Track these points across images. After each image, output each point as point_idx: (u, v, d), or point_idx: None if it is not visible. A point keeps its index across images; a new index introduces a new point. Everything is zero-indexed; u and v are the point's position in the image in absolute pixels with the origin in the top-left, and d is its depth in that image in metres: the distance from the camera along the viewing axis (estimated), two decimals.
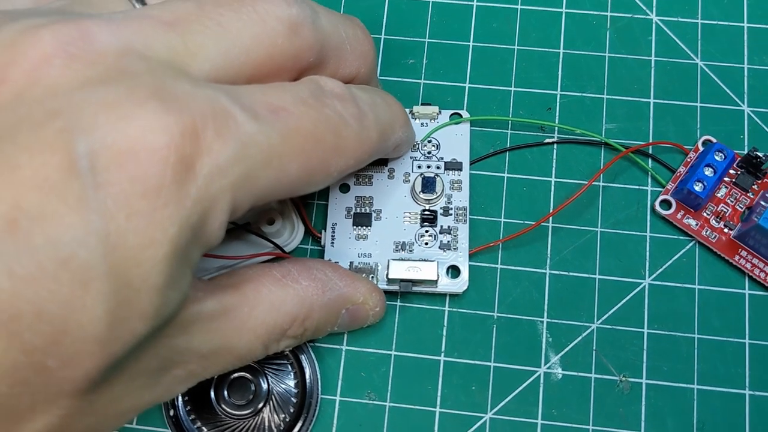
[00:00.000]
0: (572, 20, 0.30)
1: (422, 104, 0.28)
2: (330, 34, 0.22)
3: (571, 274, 0.27)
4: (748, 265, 0.26)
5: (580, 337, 0.26)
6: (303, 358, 0.26)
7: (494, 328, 0.26)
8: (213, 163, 0.16)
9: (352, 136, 0.21)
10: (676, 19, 0.29)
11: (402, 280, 0.26)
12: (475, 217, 0.27)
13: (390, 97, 0.24)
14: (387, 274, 0.25)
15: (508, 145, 0.28)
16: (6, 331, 0.14)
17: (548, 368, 0.26)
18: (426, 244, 0.27)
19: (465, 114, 0.28)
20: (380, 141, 0.22)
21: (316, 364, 0.26)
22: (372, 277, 0.26)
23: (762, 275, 0.26)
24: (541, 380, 0.26)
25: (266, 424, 0.25)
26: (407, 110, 0.27)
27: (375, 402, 0.26)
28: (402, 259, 0.26)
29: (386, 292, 0.26)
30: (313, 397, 0.25)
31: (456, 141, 0.28)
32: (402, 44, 0.30)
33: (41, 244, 0.14)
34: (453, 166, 0.27)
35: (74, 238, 0.14)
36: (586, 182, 0.27)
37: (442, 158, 0.28)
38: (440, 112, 0.28)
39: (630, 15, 0.30)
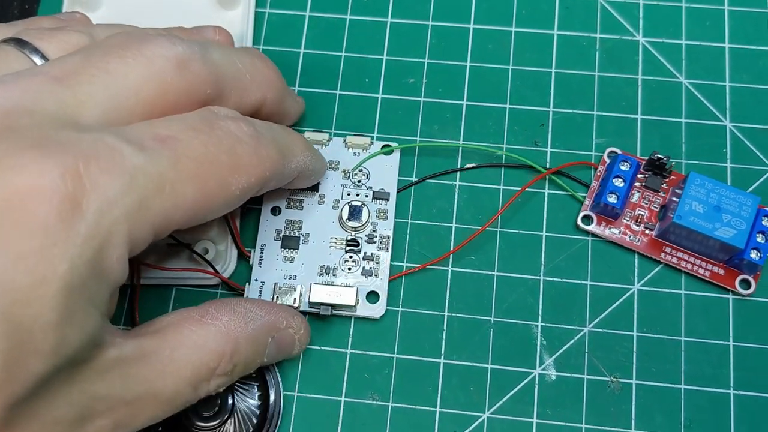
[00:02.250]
0: (563, 42, 0.31)
1: (356, 134, 0.30)
2: (224, 65, 0.23)
3: (564, 280, 0.28)
4: (674, 260, 0.28)
5: (572, 340, 0.27)
6: (269, 378, 0.26)
7: (491, 332, 0.28)
8: (101, 198, 0.17)
9: (248, 152, 0.21)
10: (661, 40, 0.31)
11: (322, 304, 0.27)
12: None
13: (287, 128, 0.26)
14: (309, 298, 0.27)
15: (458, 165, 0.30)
16: None
17: (543, 370, 0.27)
18: (349, 269, 0.28)
19: (394, 145, 0.30)
20: (280, 159, 0.23)
21: (281, 386, 0.27)
22: (294, 299, 0.27)
23: (689, 266, 0.28)
24: (536, 381, 0.27)
25: None
26: (370, 139, 0.29)
27: (378, 402, 0.27)
28: (324, 283, 0.27)
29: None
30: (273, 419, 0.26)
31: (385, 171, 0.29)
32: (402, 64, 0.31)
33: None
34: (381, 195, 0.29)
35: None
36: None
37: (371, 187, 0.29)
38: (372, 141, 0.30)
39: (618, 36, 0.31)
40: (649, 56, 0.31)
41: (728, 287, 0.28)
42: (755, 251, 0.27)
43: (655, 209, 0.29)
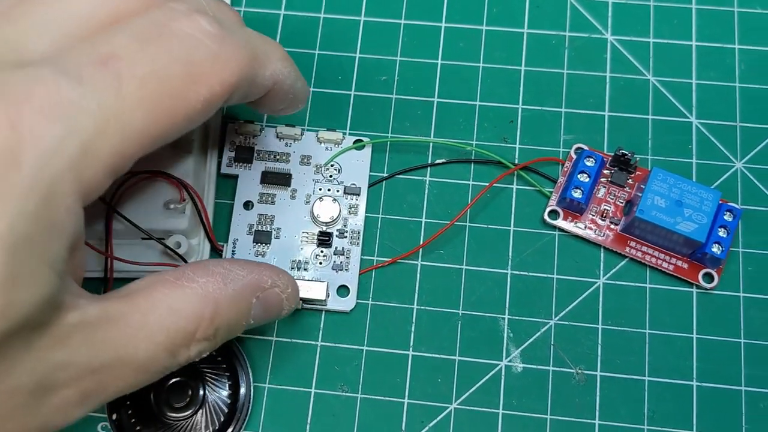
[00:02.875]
0: (533, 40, 0.32)
1: (328, 130, 0.30)
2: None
3: (530, 274, 0.29)
4: (639, 254, 0.28)
5: (539, 333, 0.28)
6: (240, 369, 0.27)
7: (459, 325, 0.28)
8: (39, 148, 0.16)
9: (208, 57, 0.19)
10: (629, 38, 0.32)
11: None
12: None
13: (264, 35, 0.23)
14: None
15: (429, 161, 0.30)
16: None
17: (509, 362, 0.28)
18: (320, 263, 0.28)
19: (366, 140, 0.30)
20: (250, 62, 0.20)
21: (252, 378, 0.27)
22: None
23: (653, 260, 0.28)
24: (503, 373, 0.28)
25: (199, 427, 0.26)
26: (342, 134, 0.29)
27: (347, 394, 0.27)
28: (296, 278, 0.26)
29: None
30: (243, 410, 0.26)
31: (357, 166, 0.30)
32: (375, 62, 0.32)
33: None
34: (352, 190, 0.29)
35: None
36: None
37: (342, 182, 0.29)
38: (344, 137, 0.30)
39: (587, 35, 0.32)
40: (617, 54, 0.32)
41: (692, 281, 0.28)
42: (717, 245, 0.27)
43: (620, 204, 0.29)
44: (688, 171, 0.30)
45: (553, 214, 0.29)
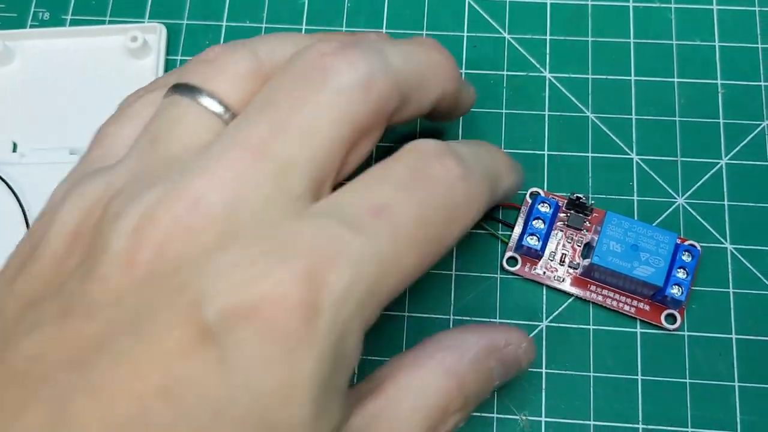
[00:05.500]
0: (471, 80, 0.32)
1: None
2: (404, 71, 0.20)
3: (473, 319, 0.28)
4: (600, 298, 0.28)
5: None
6: None
7: None
8: (334, 295, 0.17)
9: (462, 200, 0.20)
10: (567, 75, 0.32)
11: None
12: None
13: (488, 144, 0.24)
14: None
15: None
16: None
17: None
18: None
19: None
20: (491, 194, 0.21)
21: None
22: None
23: (614, 304, 0.28)
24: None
25: None
26: None
27: None
28: None
29: None
30: None
31: None
32: None
33: (194, 404, 0.16)
34: None
35: (221, 395, 0.16)
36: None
37: None
38: None
39: (525, 73, 0.32)
40: (555, 92, 0.31)
41: (655, 323, 0.28)
42: (677, 287, 0.27)
43: (578, 247, 0.29)
44: (630, 208, 0.30)
45: (512, 261, 0.29)
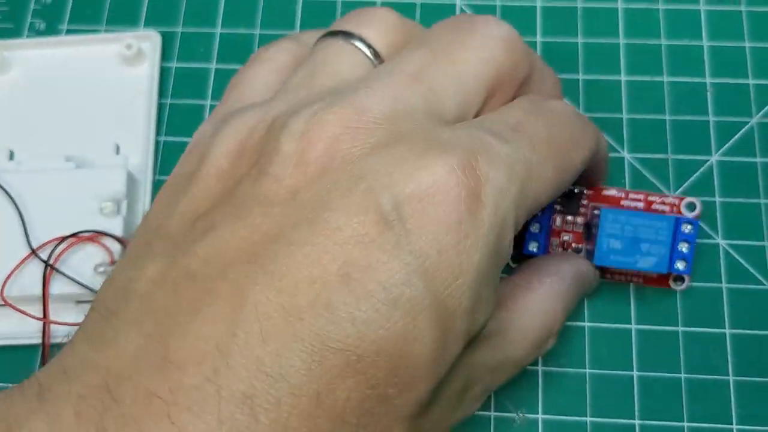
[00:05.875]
0: None
1: None
2: (533, 52, 0.24)
3: None
4: (606, 277, 0.28)
5: None
6: None
7: None
8: (494, 189, 0.18)
9: (578, 128, 0.23)
10: (559, 76, 0.32)
11: None
12: None
13: None
14: None
15: None
16: (354, 371, 0.16)
17: None
18: None
19: None
20: (596, 137, 0.24)
21: None
22: None
23: (622, 278, 0.28)
24: None
25: None
26: None
27: None
28: None
29: None
30: None
31: None
32: None
33: (373, 289, 0.16)
34: None
35: (399, 280, 0.16)
36: None
37: None
38: None
39: None
40: None
41: (664, 287, 0.28)
42: (681, 261, 0.27)
43: (579, 231, 0.28)
44: None
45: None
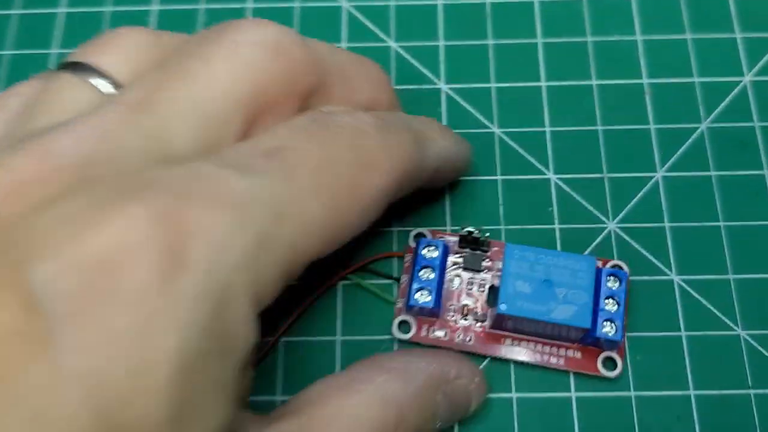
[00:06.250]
0: None
1: None
2: (326, 54, 0.19)
3: None
4: (519, 354, 0.22)
5: None
6: None
7: None
8: (208, 243, 0.13)
9: (376, 144, 0.18)
10: (467, 85, 0.26)
11: None
12: None
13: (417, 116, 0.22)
14: None
15: None
16: None
17: None
18: None
19: None
20: (416, 148, 0.19)
21: None
22: None
23: (538, 357, 0.22)
24: None
25: None
26: None
27: None
28: None
29: None
30: None
31: None
32: None
33: (14, 402, 0.12)
34: None
35: (46, 390, 0.12)
36: None
37: None
38: None
39: (417, 86, 0.27)
40: (454, 105, 0.26)
41: (591, 372, 0.22)
42: (608, 323, 0.21)
43: (482, 294, 0.23)
44: (551, 239, 0.24)
45: (405, 325, 0.23)
